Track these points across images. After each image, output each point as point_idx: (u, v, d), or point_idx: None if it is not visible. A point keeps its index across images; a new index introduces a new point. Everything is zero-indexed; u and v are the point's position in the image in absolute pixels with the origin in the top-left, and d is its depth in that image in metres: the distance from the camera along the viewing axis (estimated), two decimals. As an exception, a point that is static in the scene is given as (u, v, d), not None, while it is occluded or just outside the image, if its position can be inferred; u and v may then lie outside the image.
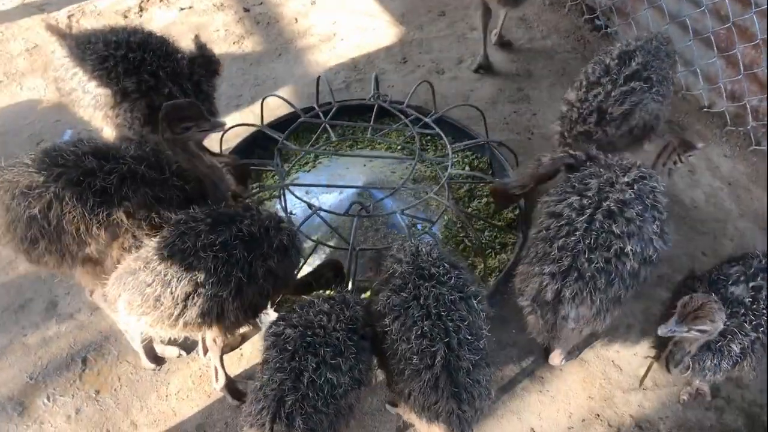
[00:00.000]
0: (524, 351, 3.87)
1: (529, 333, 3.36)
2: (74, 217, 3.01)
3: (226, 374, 3.58)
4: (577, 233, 3.06)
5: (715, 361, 3.12)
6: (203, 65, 3.89)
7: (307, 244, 3.83)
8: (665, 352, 3.16)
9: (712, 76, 5.08)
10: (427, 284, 2.84)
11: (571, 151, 3.56)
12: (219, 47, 5.80)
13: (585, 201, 3.14)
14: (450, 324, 2.75)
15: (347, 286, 3.64)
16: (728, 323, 3.04)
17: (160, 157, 3.21)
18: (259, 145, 4.67)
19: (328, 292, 3.68)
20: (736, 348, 3.10)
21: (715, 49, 4.90)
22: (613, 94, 3.74)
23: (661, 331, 2.89)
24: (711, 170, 4.88)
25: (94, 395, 3.67)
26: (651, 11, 5.35)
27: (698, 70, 5.11)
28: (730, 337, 3.09)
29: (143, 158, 3.15)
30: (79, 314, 3.99)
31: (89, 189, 3.01)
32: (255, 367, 3.66)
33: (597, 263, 3.02)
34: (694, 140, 5.16)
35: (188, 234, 2.97)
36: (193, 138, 3.25)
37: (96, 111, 3.79)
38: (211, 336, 3.27)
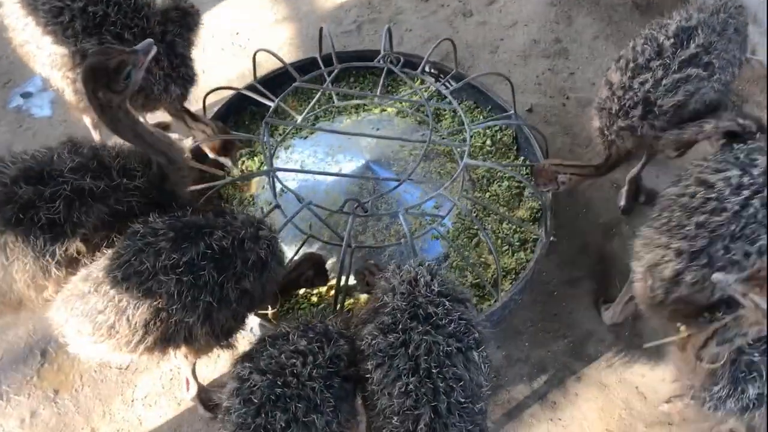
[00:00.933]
0: (537, 368, 3.42)
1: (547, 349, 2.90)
2: (25, 263, 2.49)
3: (198, 383, 3.19)
4: (725, 214, 2.56)
5: (721, 392, 2.58)
6: (178, 20, 3.23)
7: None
8: (720, 323, 2.56)
9: (786, 41, 4.32)
10: (420, 328, 2.36)
11: (741, 120, 2.95)
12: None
13: (746, 179, 2.60)
14: (441, 384, 2.28)
15: (337, 285, 3.17)
16: (757, 358, 2.54)
17: (100, 157, 2.64)
18: (252, 101, 4.07)
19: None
20: (752, 391, 2.57)
21: (794, 8, 4.13)
22: (664, 82, 3.04)
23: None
24: None
25: (52, 396, 3.31)
26: (721, -45, 4.51)
27: (769, 32, 4.35)
28: (754, 374, 2.55)
29: (84, 167, 2.58)
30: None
31: (34, 224, 2.46)
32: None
33: (734, 255, 2.55)
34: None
35: (146, 252, 2.48)
36: (134, 87, 2.54)
37: (53, 70, 3.20)
38: (182, 353, 2.85)
